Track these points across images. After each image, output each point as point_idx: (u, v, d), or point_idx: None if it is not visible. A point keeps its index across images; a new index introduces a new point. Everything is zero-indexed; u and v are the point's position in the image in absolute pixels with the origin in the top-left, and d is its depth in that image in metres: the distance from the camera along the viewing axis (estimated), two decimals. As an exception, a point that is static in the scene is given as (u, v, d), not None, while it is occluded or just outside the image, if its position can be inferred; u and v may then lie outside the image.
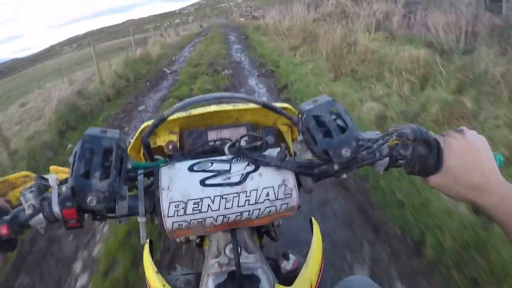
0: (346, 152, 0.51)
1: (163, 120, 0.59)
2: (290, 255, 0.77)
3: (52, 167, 0.66)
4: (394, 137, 0.55)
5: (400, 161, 0.57)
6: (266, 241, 0.98)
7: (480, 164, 0.54)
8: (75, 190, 0.48)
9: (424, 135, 0.55)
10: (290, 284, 0.63)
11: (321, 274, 0.68)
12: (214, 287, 0.60)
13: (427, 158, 0.56)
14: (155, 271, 0.68)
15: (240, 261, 0.61)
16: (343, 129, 0.53)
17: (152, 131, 0.60)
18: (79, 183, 0.48)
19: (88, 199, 0.48)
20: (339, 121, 0.54)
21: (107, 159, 0.50)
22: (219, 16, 66.30)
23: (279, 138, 0.84)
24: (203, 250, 0.93)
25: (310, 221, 0.79)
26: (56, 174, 0.55)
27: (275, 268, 0.77)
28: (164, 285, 0.65)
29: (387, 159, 0.57)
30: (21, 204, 0.52)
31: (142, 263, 0.72)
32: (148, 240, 0.76)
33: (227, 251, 0.64)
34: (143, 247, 0.75)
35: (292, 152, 0.67)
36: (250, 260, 0.64)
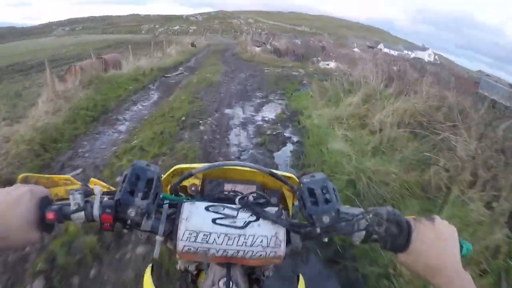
0: (326, 219, 0.64)
1: (190, 175, 0.77)
2: None
3: (92, 179, 0.81)
4: (370, 215, 0.65)
5: (375, 236, 0.65)
6: None
7: (440, 251, 0.61)
8: (121, 202, 0.62)
9: (397, 217, 0.64)
10: None
11: None
12: None
13: (398, 237, 0.64)
14: None
15: None
16: (327, 201, 0.65)
17: (181, 182, 0.78)
18: (125, 198, 0.62)
19: (129, 211, 0.62)
20: (327, 195, 0.66)
21: (148, 186, 0.64)
22: (226, 34, 57.86)
23: (282, 201, 0.95)
24: (198, 283, 1.01)
25: (298, 276, 0.84)
26: (96, 185, 0.76)
27: None
28: None
29: (363, 232, 0.65)
30: (60, 200, 0.65)
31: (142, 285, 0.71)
32: (150, 264, 0.85)
33: (221, 284, 0.71)
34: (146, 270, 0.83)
35: (291, 214, 0.92)
36: None
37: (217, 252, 0.64)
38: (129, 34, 45.17)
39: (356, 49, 42.74)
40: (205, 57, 18.83)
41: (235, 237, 0.64)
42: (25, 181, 0.73)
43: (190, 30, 57.51)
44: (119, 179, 0.73)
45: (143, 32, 58.49)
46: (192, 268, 0.99)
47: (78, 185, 0.77)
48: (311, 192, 0.66)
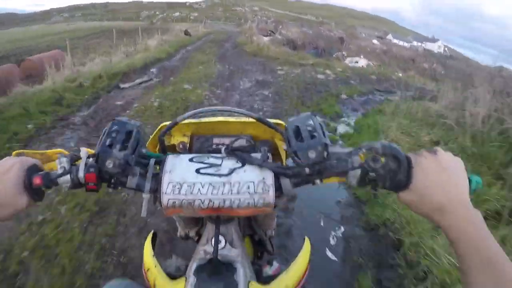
0: (311, 154, 0.59)
1: (175, 123, 0.74)
2: (274, 262, 0.81)
3: (83, 149, 0.71)
4: (364, 150, 0.60)
5: (372, 174, 0.60)
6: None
7: (445, 185, 0.55)
8: (99, 155, 0.61)
9: (393, 150, 0.58)
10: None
11: (300, 285, 0.70)
12: (195, 268, 0.67)
13: (397, 174, 0.58)
14: (151, 254, 0.75)
15: (222, 252, 0.70)
16: (313, 137, 0.61)
17: (167, 131, 0.75)
18: (103, 151, 0.61)
19: (107, 162, 0.60)
20: (313, 132, 0.62)
21: (127, 139, 0.63)
22: (230, 21, 52.65)
23: (275, 152, 0.92)
24: None
25: (304, 239, 0.81)
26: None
27: (258, 270, 0.81)
28: (155, 265, 0.72)
29: (358, 170, 0.60)
30: (59, 155, 0.65)
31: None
32: (151, 232, 0.83)
33: (213, 241, 0.70)
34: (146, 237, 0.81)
35: (285, 163, 0.86)
36: (232, 253, 0.70)
37: (203, 202, 0.62)
38: (124, 22, 40.58)
39: (375, 41, 38.09)
40: (197, 51, 14.33)
41: (219, 186, 0.62)
42: (19, 155, 0.69)
43: (191, 17, 52.47)
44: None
45: (141, 19, 53.76)
46: (192, 233, 0.98)
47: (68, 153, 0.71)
48: (297, 130, 0.64)
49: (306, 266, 0.74)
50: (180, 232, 1.02)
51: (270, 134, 0.91)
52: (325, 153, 0.60)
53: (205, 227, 0.79)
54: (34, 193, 0.61)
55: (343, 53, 15.11)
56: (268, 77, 8.93)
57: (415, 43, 71.69)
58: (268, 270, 0.81)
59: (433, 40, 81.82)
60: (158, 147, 0.82)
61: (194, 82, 7.44)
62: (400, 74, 13.19)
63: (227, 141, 0.87)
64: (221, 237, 0.71)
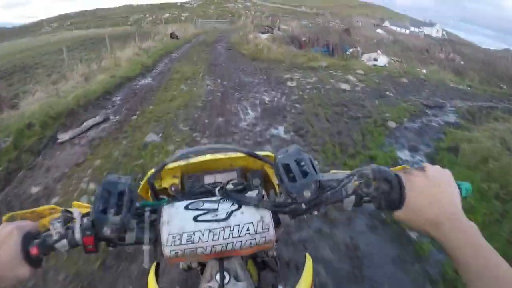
0: (307, 194, 0.60)
1: (164, 165, 0.72)
2: (279, 286, 0.83)
3: (74, 203, 0.76)
4: (356, 177, 0.62)
5: (366, 198, 0.62)
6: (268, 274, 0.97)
7: (437, 199, 0.56)
8: (95, 222, 0.59)
9: (383, 174, 0.59)
10: None
11: None
12: None
13: (390, 194, 0.59)
14: None
15: (229, 287, 0.66)
16: (305, 174, 0.62)
17: (156, 175, 0.75)
18: (98, 217, 0.59)
19: (104, 229, 0.58)
20: (304, 167, 0.63)
21: (121, 199, 0.61)
22: (222, 18, 49.68)
23: (267, 180, 0.92)
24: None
25: (305, 256, 0.80)
26: (78, 208, 0.68)
27: None
28: None
29: (352, 197, 0.62)
30: (48, 230, 0.61)
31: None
32: (155, 263, 0.78)
33: (218, 277, 0.67)
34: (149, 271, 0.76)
35: (278, 191, 0.84)
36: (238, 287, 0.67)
37: (205, 249, 0.61)
38: (111, 28, 37.95)
39: (379, 30, 35.26)
40: (183, 59, 11.64)
41: (219, 231, 0.61)
42: (12, 219, 0.68)
43: (181, 17, 49.50)
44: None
45: (129, 23, 50.96)
46: (195, 264, 0.90)
47: (60, 212, 0.67)
48: (287, 167, 0.64)
49: (311, 285, 0.73)
50: (183, 264, 0.95)
51: (260, 164, 0.89)
52: (319, 188, 0.62)
53: (208, 262, 0.74)
54: (33, 261, 0.59)
55: (358, 48, 12.48)
56: (277, 95, 6.39)
57: (412, 28, 68.85)
58: None
59: (431, 24, 78.61)
60: (149, 192, 0.82)
61: (167, 123, 4.81)
62: (424, 70, 10.96)
63: (218, 178, 0.87)
64: (225, 273, 0.68)
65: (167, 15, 58.09)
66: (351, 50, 12.27)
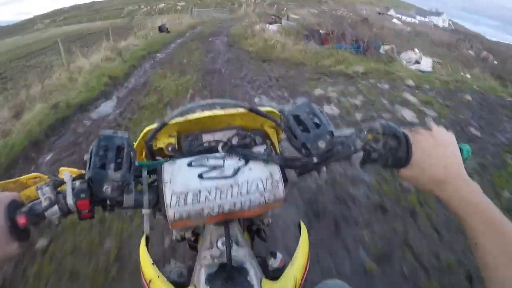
0: (321, 144, 0.56)
1: (164, 125, 0.64)
2: (278, 254, 0.76)
3: (61, 168, 0.65)
4: (365, 132, 0.60)
5: (374, 154, 0.60)
6: (257, 242, 0.97)
7: (443, 158, 0.57)
8: (92, 180, 0.53)
9: (392, 129, 0.59)
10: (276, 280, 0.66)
11: (305, 272, 0.68)
12: (205, 277, 0.61)
13: (397, 151, 0.59)
14: (150, 263, 0.68)
15: (232, 254, 0.63)
16: (318, 125, 0.58)
17: (155, 135, 0.66)
18: (97, 174, 0.53)
19: (104, 187, 0.53)
20: (315, 119, 0.59)
21: (119, 155, 0.55)
22: (221, 7, 45.98)
23: (266, 140, 0.84)
24: (197, 247, 0.93)
25: (299, 225, 0.78)
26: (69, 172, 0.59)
27: (263, 265, 0.74)
28: (158, 276, 0.65)
29: (361, 152, 0.60)
30: (33, 201, 0.55)
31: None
32: (144, 236, 0.75)
33: (219, 244, 0.64)
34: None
35: (278, 151, 0.80)
36: (240, 254, 0.64)
37: (212, 210, 0.57)
38: (102, 22, 35.13)
39: (395, 20, 32.01)
40: (170, 61, 8.71)
41: (227, 189, 0.57)
42: None
43: (177, 7, 46.09)
44: (86, 157, 0.53)
45: (122, 15, 47.90)
46: (189, 234, 0.90)
47: (47, 179, 0.64)
48: (297, 119, 0.60)
49: (308, 253, 0.72)
50: (176, 235, 0.91)
51: (260, 123, 0.84)
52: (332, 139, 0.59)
53: (206, 229, 0.73)
54: (21, 233, 0.52)
55: (392, 46, 9.60)
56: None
57: (418, 17, 65.29)
58: (274, 263, 0.74)
59: (437, 14, 74.60)
60: (144, 153, 0.78)
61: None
62: (468, 75, 8.51)
63: (217, 135, 0.80)
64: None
65: (162, 5, 54.72)
66: (386, 48, 9.44)
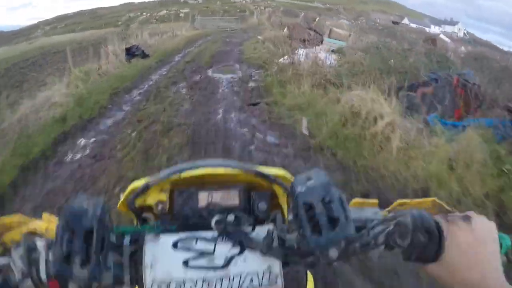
0: (333, 253, 0.46)
1: (147, 187, 0.58)
2: None
3: (44, 215, 0.62)
4: (392, 226, 0.50)
5: (397, 249, 0.51)
6: None
7: (479, 260, 0.47)
8: (57, 277, 0.47)
9: (425, 223, 0.49)
10: None
11: None
12: None
13: (427, 247, 0.48)
14: None
15: None
16: (334, 224, 0.46)
17: (136, 197, 0.59)
18: (60, 271, 0.45)
19: (70, 286, 0.46)
20: (332, 212, 0.47)
21: (88, 239, 0.46)
22: (229, 15, 40.18)
23: (275, 201, 0.67)
24: None
25: (306, 273, 0.72)
26: (48, 224, 0.57)
27: None
28: None
29: (382, 247, 0.50)
30: (15, 246, 0.50)
31: None
32: None
33: None
34: None
35: (287, 217, 0.65)
36: None
37: None
38: (95, 30, 30.06)
39: (443, 37, 26.24)
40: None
41: (216, 282, 0.50)
42: None
43: (180, 14, 40.33)
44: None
45: (119, 23, 42.67)
46: None
47: (27, 225, 0.59)
48: (309, 208, 0.48)
49: None
50: None
51: (269, 183, 0.66)
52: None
53: None
54: None
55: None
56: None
57: (432, 27, 59.89)
58: None
59: (452, 23, 69.05)
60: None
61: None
62: None
63: (216, 196, 0.63)
64: None
65: (164, 12, 49.49)
66: None
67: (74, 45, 14.47)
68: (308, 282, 0.69)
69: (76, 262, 0.44)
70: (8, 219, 0.59)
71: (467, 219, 0.49)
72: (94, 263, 0.45)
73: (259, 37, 14.56)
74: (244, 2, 63.39)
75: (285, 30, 12.69)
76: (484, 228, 0.49)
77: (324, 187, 0.49)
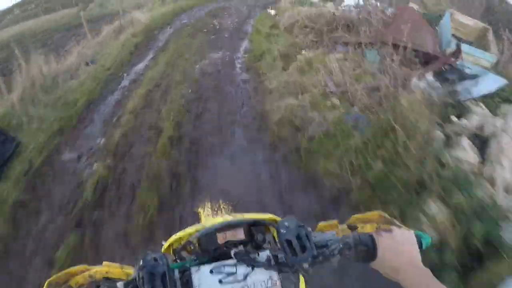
0: (305, 265, 0.69)
1: (190, 243, 0.83)
2: None
3: (105, 263, 0.76)
4: (341, 245, 0.74)
5: (348, 256, 0.75)
6: None
7: (400, 254, 0.71)
8: None
9: (362, 241, 0.74)
10: None
11: None
12: None
13: (367, 253, 0.74)
14: None
15: None
16: (304, 249, 0.70)
17: (180, 252, 0.85)
18: None
19: None
20: (303, 242, 0.71)
21: (164, 281, 0.64)
22: None
23: (267, 229, 0.96)
24: None
25: (298, 277, 0.87)
26: (109, 269, 0.74)
27: None
28: None
29: (338, 256, 0.74)
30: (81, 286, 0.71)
31: None
32: None
33: None
34: None
35: (277, 239, 0.83)
36: None
37: None
38: (44, 16, 22.52)
39: None
40: None
41: None
42: (50, 286, 0.70)
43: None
44: (134, 274, 0.65)
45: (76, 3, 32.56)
46: None
47: (94, 269, 0.75)
48: (288, 242, 0.71)
49: None
50: None
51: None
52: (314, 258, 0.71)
53: None
54: None
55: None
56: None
57: None
58: None
59: None
60: (171, 250, 0.92)
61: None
62: None
63: (229, 235, 0.91)
64: None
65: None
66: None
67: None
68: (300, 283, 0.83)
69: None
70: (72, 270, 0.73)
71: (389, 231, 0.74)
72: None
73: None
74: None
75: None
76: (402, 235, 0.74)
77: (297, 229, 0.72)
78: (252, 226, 0.93)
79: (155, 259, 0.67)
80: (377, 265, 0.73)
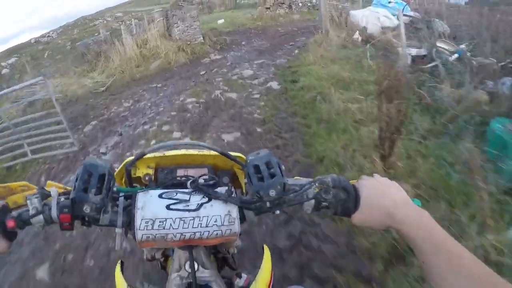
0: (272, 193, 0.62)
1: (143, 155, 0.73)
2: (243, 274, 0.84)
3: (49, 182, 0.77)
4: (317, 184, 0.66)
5: (324, 203, 0.66)
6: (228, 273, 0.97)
7: (388, 194, 0.61)
8: (75, 200, 0.60)
9: (342, 183, 0.65)
10: None
11: None
12: None
13: (346, 202, 0.65)
14: (125, 286, 0.77)
15: (197, 275, 0.73)
16: (273, 176, 0.64)
17: (134, 162, 0.75)
18: (80, 196, 0.60)
19: (84, 207, 0.60)
20: (272, 170, 0.65)
21: (101, 181, 0.62)
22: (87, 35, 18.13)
23: (235, 180, 0.94)
24: (167, 269, 1.01)
25: (263, 247, 0.85)
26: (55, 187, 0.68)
27: (229, 284, 0.84)
28: None
29: (312, 201, 0.66)
30: (18, 207, 0.65)
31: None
32: (119, 261, 0.84)
33: (187, 266, 0.73)
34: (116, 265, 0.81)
35: (245, 191, 0.87)
36: (206, 275, 0.75)
37: (175, 236, 0.63)
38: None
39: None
40: None
41: (190, 220, 0.63)
42: None
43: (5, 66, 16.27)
44: (72, 177, 0.60)
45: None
46: (158, 255, 0.96)
47: (34, 189, 0.72)
48: (257, 168, 0.66)
49: (271, 272, 0.79)
50: (147, 254, 0.97)
51: (231, 165, 0.91)
52: (284, 190, 0.64)
53: (175, 253, 0.79)
54: (8, 234, 0.61)
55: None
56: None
57: None
58: (239, 282, 0.83)
59: None
60: (124, 178, 0.85)
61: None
62: None
63: (190, 172, 0.87)
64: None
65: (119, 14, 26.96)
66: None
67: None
68: (265, 253, 0.82)
69: (92, 192, 0.60)
70: (13, 185, 0.70)
71: (371, 175, 0.66)
72: (105, 194, 0.62)
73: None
74: (105, 21, 25.02)
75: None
76: (385, 180, 0.65)
77: (267, 156, 0.67)
78: (217, 171, 0.88)
79: (99, 160, 0.64)
80: (361, 215, 0.62)
